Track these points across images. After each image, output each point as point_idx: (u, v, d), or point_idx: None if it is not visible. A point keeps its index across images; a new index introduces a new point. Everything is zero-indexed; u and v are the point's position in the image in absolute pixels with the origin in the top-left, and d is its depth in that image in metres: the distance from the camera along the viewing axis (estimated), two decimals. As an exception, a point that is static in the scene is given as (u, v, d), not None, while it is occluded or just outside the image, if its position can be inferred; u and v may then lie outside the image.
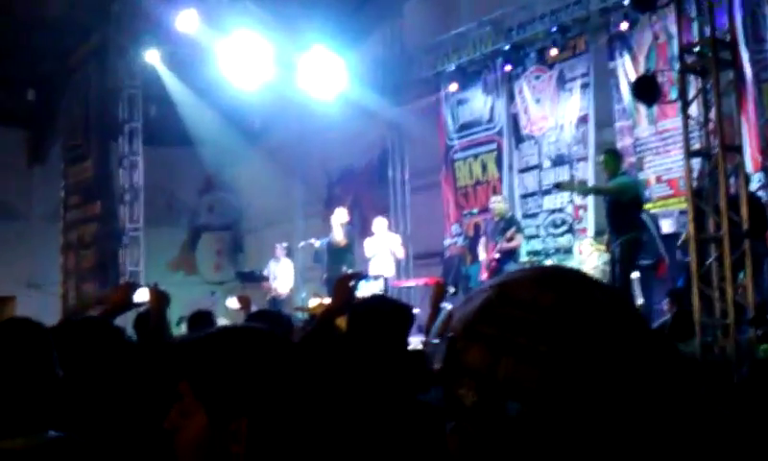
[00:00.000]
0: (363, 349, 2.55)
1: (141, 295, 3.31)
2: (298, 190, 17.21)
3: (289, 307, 13.00)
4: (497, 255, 10.48)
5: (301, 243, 13.06)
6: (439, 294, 4.06)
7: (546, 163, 12.07)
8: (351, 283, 2.73)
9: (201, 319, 4.96)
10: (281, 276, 13.17)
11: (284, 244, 13.48)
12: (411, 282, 12.82)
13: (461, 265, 12.04)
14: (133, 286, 3.32)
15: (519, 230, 10.84)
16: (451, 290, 3.76)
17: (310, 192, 16.86)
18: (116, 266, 13.25)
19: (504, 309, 0.87)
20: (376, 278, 2.91)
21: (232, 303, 5.31)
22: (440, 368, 0.89)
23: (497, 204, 10.99)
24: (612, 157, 8.61)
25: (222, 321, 6.30)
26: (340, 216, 11.58)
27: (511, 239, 10.53)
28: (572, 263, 10.60)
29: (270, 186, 16.49)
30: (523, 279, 0.89)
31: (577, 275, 0.90)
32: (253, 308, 4.68)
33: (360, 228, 13.04)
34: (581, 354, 0.83)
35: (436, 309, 3.88)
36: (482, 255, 10.88)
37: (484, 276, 10.55)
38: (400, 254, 11.77)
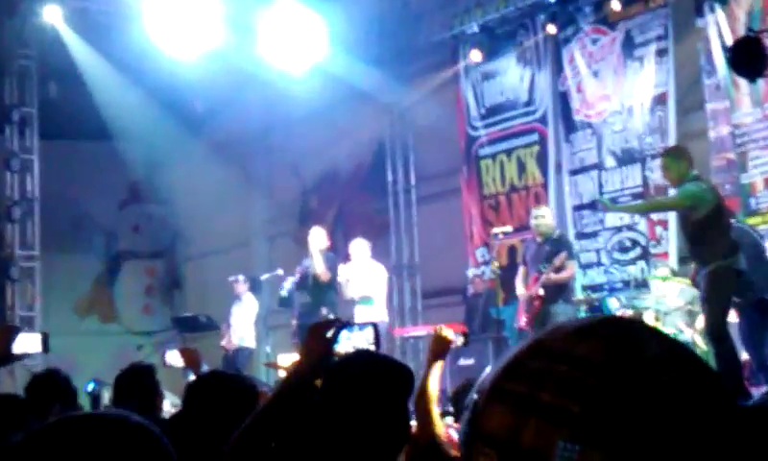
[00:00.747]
0: (342, 425, 2.57)
1: (25, 344, 3.20)
2: (259, 202, 17.24)
3: (252, 366, 12.86)
4: (541, 292, 10.37)
5: (265, 275, 12.97)
6: (441, 347, 4.04)
7: (609, 161, 12.09)
8: (329, 333, 2.73)
9: (135, 382, 4.77)
10: (240, 320, 13.17)
11: (239, 277, 13.43)
12: (419, 331, 12.74)
13: (490, 306, 11.98)
14: (13, 331, 3.20)
15: (572, 255, 10.76)
16: (459, 341, 3.83)
17: (276, 205, 16.91)
18: (2, 309, 13.12)
19: (534, 362, 0.96)
20: (363, 326, 2.86)
21: (173, 358, 5.20)
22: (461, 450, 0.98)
23: (541, 219, 10.87)
24: (674, 160, 8.54)
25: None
26: (319, 239, 11.50)
27: (560, 268, 10.42)
28: (647, 301, 10.50)
29: (219, 197, 16.48)
30: (563, 329, 0.99)
31: (629, 323, 1.00)
32: (204, 368, 4.59)
33: (346, 255, 12.89)
34: (623, 422, 0.89)
35: (430, 367, 3.92)
36: (520, 292, 10.79)
37: (522, 321, 10.54)
38: (381, 293, 11.70)
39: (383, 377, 2.68)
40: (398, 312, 14.50)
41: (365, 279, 11.50)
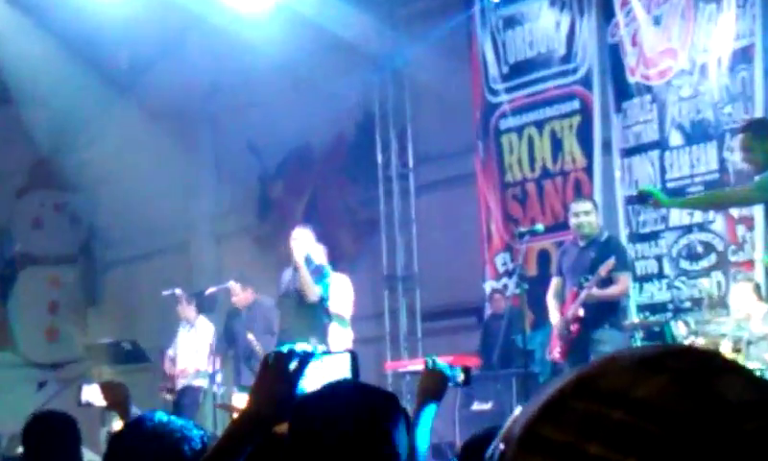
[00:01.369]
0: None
1: None
2: (204, 189, 17.30)
3: (201, 410, 12.97)
4: (581, 312, 10.41)
5: (211, 289, 13.09)
6: (433, 386, 4.18)
7: (675, 138, 12.07)
8: (292, 366, 2.79)
9: (48, 435, 4.83)
10: (191, 351, 13.21)
11: (177, 292, 13.43)
12: (418, 364, 12.57)
13: (514, 331, 11.99)
14: None
15: (624, 264, 10.78)
16: (458, 378, 4.04)
17: (227, 193, 16.98)
18: None
19: (581, 403, 0.98)
20: (330, 355, 2.89)
21: (92, 394, 5.24)
22: None
23: (584, 216, 10.83)
24: (757, 138, 8.58)
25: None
26: (304, 243, 11.48)
27: (608, 281, 10.47)
28: (724, 327, 10.46)
29: (151, 181, 16.40)
30: (618, 361, 1.01)
31: (705, 356, 1.01)
32: (134, 411, 4.59)
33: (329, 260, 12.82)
34: None
35: (418, 413, 4.04)
36: (554, 314, 10.78)
37: (555, 351, 10.64)
38: (349, 314, 11.77)
39: (367, 413, 2.71)
40: (391, 339, 14.53)
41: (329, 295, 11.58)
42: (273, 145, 16.16)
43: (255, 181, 16.55)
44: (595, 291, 10.29)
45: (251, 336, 11.85)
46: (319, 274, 11.38)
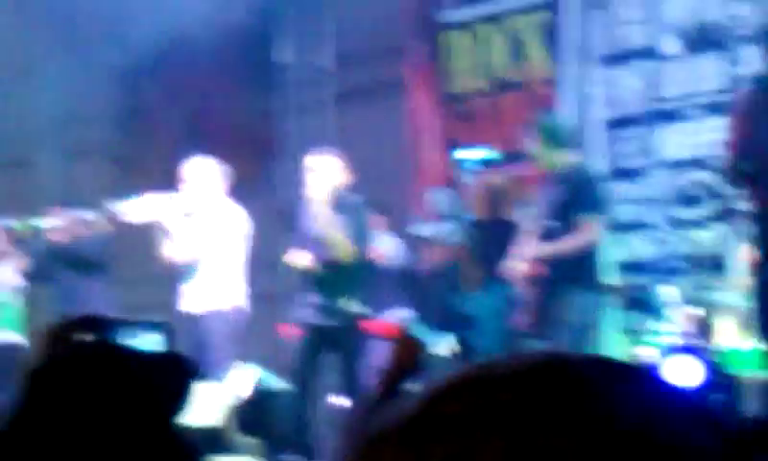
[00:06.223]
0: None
1: None
2: (46, 89, 17.39)
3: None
4: (541, 270, 11.01)
5: (50, 220, 13.42)
6: (402, 358, 4.44)
7: (670, 44, 12.50)
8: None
9: None
10: None
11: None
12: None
13: (455, 290, 12.59)
14: None
15: (593, 205, 11.04)
16: (445, 348, 4.04)
17: (80, 97, 16.95)
18: None
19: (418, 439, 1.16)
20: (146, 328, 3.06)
21: None
22: None
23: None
24: None
25: None
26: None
27: (575, 226, 10.88)
28: (728, 296, 10.81)
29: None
30: (477, 379, 1.17)
31: (586, 376, 1.14)
32: None
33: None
34: None
35: (386, 394, 4.30)
36: (512, 264, 11.25)
37: (520, 317, 11.26)
38: (236, 264, 12.21)
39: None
40: (288, 294, 13.80)
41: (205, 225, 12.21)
42: (144, 36, 15.88)
43: (117, 82, 16.70)
44: (544, 247, 10.91)
45: None
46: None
